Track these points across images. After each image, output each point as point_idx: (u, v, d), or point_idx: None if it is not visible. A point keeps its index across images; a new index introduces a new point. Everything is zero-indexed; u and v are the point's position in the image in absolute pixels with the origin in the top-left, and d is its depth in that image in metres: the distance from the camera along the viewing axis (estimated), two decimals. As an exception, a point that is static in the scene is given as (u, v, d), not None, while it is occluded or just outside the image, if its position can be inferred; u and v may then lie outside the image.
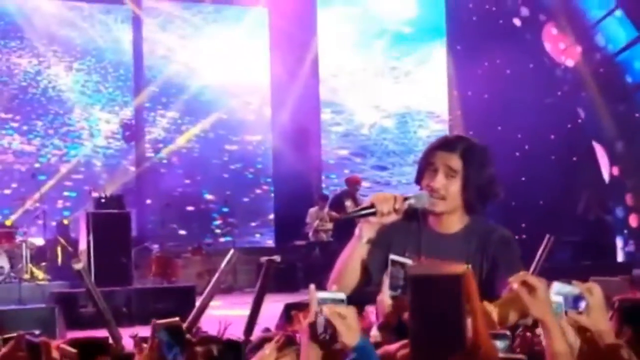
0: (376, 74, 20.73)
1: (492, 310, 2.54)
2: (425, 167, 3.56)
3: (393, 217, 3.45)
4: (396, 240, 3.53)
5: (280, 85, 19.48)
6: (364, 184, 18.78)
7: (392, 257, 3.31)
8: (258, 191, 19.63)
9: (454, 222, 3.60)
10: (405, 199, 3.48)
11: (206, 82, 19.17)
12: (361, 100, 20.61)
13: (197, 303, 3.66)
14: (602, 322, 2.55)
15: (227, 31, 19.43)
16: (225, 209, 19.04)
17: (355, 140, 20.53)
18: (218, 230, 18.67)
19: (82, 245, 13.62)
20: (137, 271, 15.07)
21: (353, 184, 16.48)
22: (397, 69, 20.88)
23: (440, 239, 3.57)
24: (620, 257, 17.30)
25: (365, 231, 3.48)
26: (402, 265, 3.20)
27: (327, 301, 2.34)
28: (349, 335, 2.30)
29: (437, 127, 20.38)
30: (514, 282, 2.38)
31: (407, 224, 3.56)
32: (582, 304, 2.53)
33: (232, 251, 3.45)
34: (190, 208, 18.89)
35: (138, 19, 18.93)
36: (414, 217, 3.58)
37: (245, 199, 19.38)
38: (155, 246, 17.05)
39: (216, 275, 3.77)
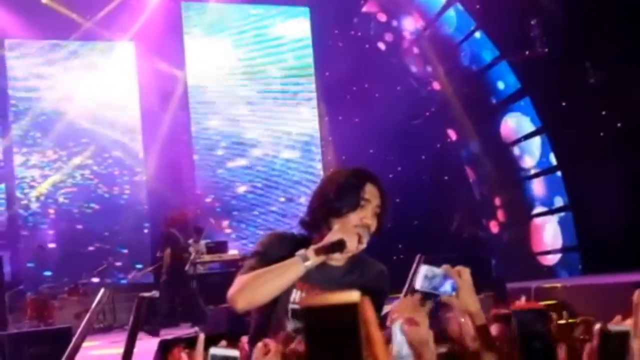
0: (276, 101, 20.75)
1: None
2: (359, 202, 3.49)
3: (351, 254, 3.44)
4: None
5: (150, 120, 19.33)
6: (270, 217, 18.84)
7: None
8: (136, 227, 19.40)
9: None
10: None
11: (78, 120, 18.92)
12: (263, 130, 20.56)
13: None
14: (471, 304, 2.62)
15: (96, 67, 19.22)
16: (102, 247, 18.78)
17: (260, 172, 20.43)
18: (95, 269, 18.36)
19: (-47, 292, 13.24)
20: (12, 315, 14.70)
21: (176, 221, 16.27)
22: (298, 94, 20.96)
23: (328, 270, 3.54)
24: (494, 273, 17.62)
25: (316, 259, 3.37)
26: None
27: (218, 357, 2.30)
28: None
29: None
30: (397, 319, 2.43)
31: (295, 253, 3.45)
32: (449, 284, 2.59)
33: (102, 290, 3.39)
34: (66, 248, 18.55)
35: (2, 59, 18.59)
36: (302, 245, 3.48)
37: (123, 236, 19.13)
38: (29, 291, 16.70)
39: (87, 315, 3.70)
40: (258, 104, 20.60)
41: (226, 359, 2.25)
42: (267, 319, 3.50)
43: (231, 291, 3.42)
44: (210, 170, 20.11)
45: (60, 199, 18.87)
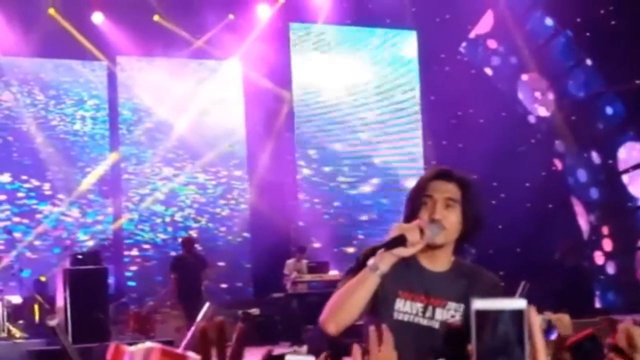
0: (389, 124, 20.92)
1: None
2: (422, 200, 3.45)
3: (419, 248, 3.34)
4: (387, 277, 3.38)
5: (255, 138, 19.53)
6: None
7: None
8: (237, 243, 19.56)
9: (444, 260, 3.53)
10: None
11: (184, 136, 19.20)
12: (388, 153, 20.74)
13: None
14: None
15: (204, 85, 19.49)
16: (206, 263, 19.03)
17: (390, 195, 20.47)
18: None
19: (59, 302, 13.55)
20: (114, 327, 14.99)
21: (188, 244, 16.20)
22: (406, 118, 21.09)
23: (430, 276, 3.50)
24: (597, 304, 17.31)
25: (384, 263, 3.31)
26: None
27: None
28: None
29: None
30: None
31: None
32: (554, 335, 2.59)
33: (207, 304, 3.42)
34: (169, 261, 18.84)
35: (113, 75, 19.00)
36: None
37: (224, 252, 19.31)
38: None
39: (192, 329, 3.74)
40: (372, 126, 20.67)
41: None
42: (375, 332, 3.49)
43: (321, 318, 3.43)
44: (323, 190, 20.22)
45: (165, 214, 19.16)
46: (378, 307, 3.42)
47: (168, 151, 19.21)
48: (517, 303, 1.46)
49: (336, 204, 20.27)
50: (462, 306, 3.47)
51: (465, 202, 3.47)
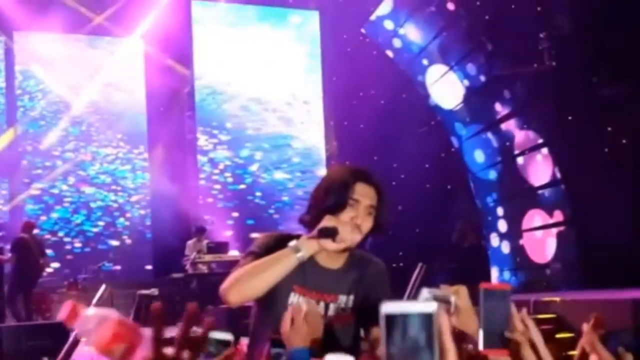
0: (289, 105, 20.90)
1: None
2: (348, 202, 3.42)
3: (342, 247, 3.37)
4: None
5: (156, 118, 19.35)
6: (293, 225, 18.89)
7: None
8: (138, 222, 19.42)
9: (340, 257, 3.53)
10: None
11: (84, 114, 18.96)
12: (317, 131, 20.80)
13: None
14: (470, 323, 2.54)
15: (104, 63, 19.26)
16: (102, 242, 18.81)
17: (303, 178, 20.42)
18: (94, 265, 18.33)
19: (-47, 283, 13.30)
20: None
21: (28, 228, 15.94)
22: (307, 98, 21.17)
23: (324, 273, 3.50)
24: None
25: (307, 249, 3.31)
26: None
27: (213, 341, 2.31)
28: None
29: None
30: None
31: None
32: (451, 308, 2.57)
33: (104, 286, 3.39)
34: (65, 241, 18.58)
35: (10, 51, 18.65)
36: None
37: (124, 232, 19.15)
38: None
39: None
40: (270, 105, 20.65)
41: (221, 342, 2.28)
42: (265, 323, 3.44)
43: (223, 286, 3.34)
44: (228, 170, 20.17)
45: (61, 192, 18.90)
46: (274, 297, 3.40)
47: (66, 130, 18.93)
48: (426, 307, 1.46)
49: (242, 186, 20.23)
50: (351, 298, 3.51)
51: (379, 208, 3.47)
